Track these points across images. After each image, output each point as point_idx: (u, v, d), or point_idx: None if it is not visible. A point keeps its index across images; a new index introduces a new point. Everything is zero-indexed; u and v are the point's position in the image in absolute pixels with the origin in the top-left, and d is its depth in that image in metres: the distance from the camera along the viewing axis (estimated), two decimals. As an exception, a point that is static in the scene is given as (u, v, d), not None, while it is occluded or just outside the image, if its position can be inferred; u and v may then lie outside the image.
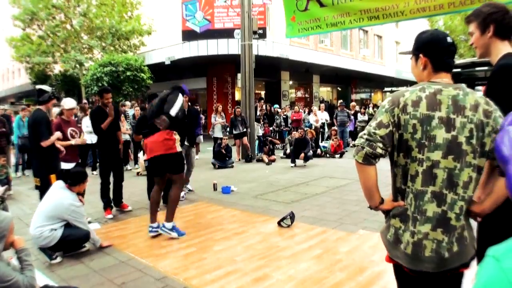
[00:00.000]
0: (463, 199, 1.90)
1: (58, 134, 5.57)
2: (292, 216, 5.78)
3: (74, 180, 4.82)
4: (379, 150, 1.90)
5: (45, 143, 5.17)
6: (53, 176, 5.19)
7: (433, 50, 2.00)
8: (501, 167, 1.31)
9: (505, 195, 1.93)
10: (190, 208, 7.07)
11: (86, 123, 10.79)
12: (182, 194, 7.64)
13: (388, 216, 2.09)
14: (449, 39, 1.98)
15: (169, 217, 5.44)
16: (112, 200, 6.87)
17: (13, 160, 11.66)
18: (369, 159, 1.92)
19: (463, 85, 1.97)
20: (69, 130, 6.04)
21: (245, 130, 13.35)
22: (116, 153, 6.83)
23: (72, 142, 5.89)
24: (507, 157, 1.27)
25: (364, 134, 1.95)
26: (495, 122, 1.90)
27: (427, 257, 1.91)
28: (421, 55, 2.03)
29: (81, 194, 5.11)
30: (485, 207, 1.97)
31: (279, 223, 5.75)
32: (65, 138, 5.96)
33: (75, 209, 4.75)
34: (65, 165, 5.92)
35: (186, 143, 7.71)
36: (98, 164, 10.99)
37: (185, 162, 7.68)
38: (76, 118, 10.98)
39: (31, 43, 24.12)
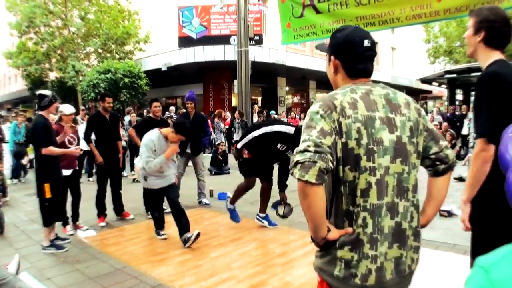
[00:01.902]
0: (413, 204, 1.73)
1: (61, 150, 5.51)
2: (288, 208, 5.84)
3: None
4: (330, 164, 1.54)
5: (44, 151, 5.13)
6: (47, 185, 5.15)
7: (346, 55, 1.80)
8: (503, 172, 1.29)
9: (444, 196, 1.90)
10: (186, 215, 7.04)
11: (83, 129, 10.77)
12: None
13: (329, 248, 1.71)
14: (366, 43, 1.75)
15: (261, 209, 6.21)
16: (113, 209, 6.83)
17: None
18: (323, 176, 1.53)
19: (385, 85, 1.82)
20: (67, 137, 6.02)
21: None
22: (114, 162, 6.77)
23: (68, 150, 5.86)
24: (509, 161, 1.25)
25: (309, 146, 1.54)
26: (424, 120, 1.79)
27: (388, 281, 1.66)
28: (332, 57, 1.85)
29: None
30: (429, 217, 1.89)
31: (273, 206, 5.82)
32: (63, 144, 5.94)
33: None
34: (63, 171, 5.90)
35: (187, 150, 7.63)
36: (94, 171, 11.02)
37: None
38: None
39: (27, 51, 24.10)
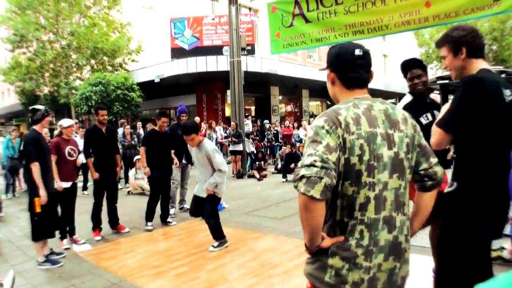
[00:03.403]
0: (408, 218, 1.80)
1: (41, 190, 5.44)
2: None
3: None
4: (334, 180, 1.58)
5: (32, 165, 5.10)
6: (37, 199, 5.12)
7: (338, 65, 1.86)
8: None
9: (429, 211, 1.95)
10: (182, 227, 7.03)
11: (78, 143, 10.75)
12: (172, 211, 7.60)
13: (320, 255, 1.75)
14: (357, 52, 1.80)
15: None
16: (108, 222, 6.80)
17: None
18: (327, 192, 1.56)
19: (383, 100, 1.86)
20: (67, 149, 6.01)
21: (241, 146, 13.37)
22: (111, 175, 6.73)
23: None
24: None
25: (315, 161, 1.55)
26: (419, 136, 1.83)
27: None
28: (328, 71, 1.90)
29: None
30: (415, 230, 1.96)
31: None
32: (63, 157, 5.94)
33: None
34: (63, 184, 5.90)
35: (184, 161, 7.85)
36: (88, 184, 10.96)
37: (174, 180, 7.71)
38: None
39: (20, 67, 24.04)
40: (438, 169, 1.85)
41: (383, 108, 1.77)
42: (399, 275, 1.74)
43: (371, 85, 1.90)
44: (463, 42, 2.52)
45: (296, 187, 1.58)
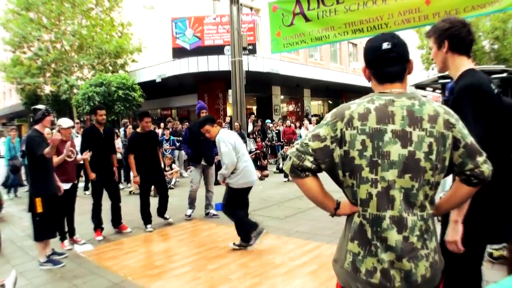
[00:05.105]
0: (423, 219, 1.71)
1: (64, 155, 5.44)
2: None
3: None
4: (307, 163, 1.70)
5: (46, 152, 5.03)
6: (38, 200, 5.12)
7: (370, 60, 1.82)
8: None
9: (461, 203, 1.93)
10: (184, 226, 7.03)
11: (78, 143, 10.74)
12: (188, 212, 7.51)
13: (345, 236, 1.82)
14: (385, 45, 1.74)
15: None
16: (111, 221, 6.80)
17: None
18: (296, 171, 1.73)
19: (418, 94, 1.79)
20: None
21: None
22: (109, 175, 6.72)
23: (61, 157, 5.79)
24: None
25: (297, 143, 1.76)
26: (461, 133, 1.71)
27: (397, 287, 1.67)
28: (363, 67, 1.87)
29: None
30: (441, 211, 1.92)
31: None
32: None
33: None
34: (63, 186, 5.86)
35: (203, 162, 7.58)
36: (89, 184, 10.96)
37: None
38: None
39: (21, 65, 24.06)
40: (485, 168, 1.73)
41: (407, 104, 1.70)
42: (417, 274, 1.67)
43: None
44: (447, 35, 2.43)
45: None
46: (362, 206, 1.71)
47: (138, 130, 7.18)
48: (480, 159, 1.73)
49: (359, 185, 1.69)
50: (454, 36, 2.42)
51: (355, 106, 1.72)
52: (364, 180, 1.68)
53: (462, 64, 2.44)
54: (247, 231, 5.49)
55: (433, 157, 1.66)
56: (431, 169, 1.67)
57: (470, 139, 1.74)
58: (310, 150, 1.70)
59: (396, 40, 1.76)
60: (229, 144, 5.50)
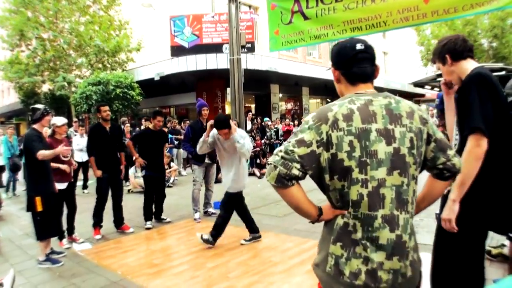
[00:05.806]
0: (412, 216, 1.74)
1: (58, 150, 5.43)
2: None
3: None
4: (295, 171, 1.65)
5: (41, 155, 5.03)
6: (38, 199, 5.11)
7: (340, 62, 1.84)
8: None
9: (438, 197, 1.95)
10: (182, 225, 7.03)
11: (77, 141, 10.76)
12: (197, 216, 7.45)
13: (325, 239, 1.82)
14: (358, 46, 1.78)
15: None
16: (114, 221, 6.77)
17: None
18: (283, 181, 1.66)
19: (389, 93, 1.82)
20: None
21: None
22: (116, 173, 6.71)
23: (60, 166, 5.82)
24: None
25: (280, 151, 1.68)
26: (431, 129, 1.77)
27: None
28: (332, 69, 1.88)
29: None
30: (419, 210, 1.93)
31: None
32: (57, 157, 5.89)
33: None
34: (58, 185, 5.83)
35: (207, 160, 7.52)
36: (89, 182, 10.96)
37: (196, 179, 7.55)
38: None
39: (20, 64, 23.99)
40: (457, 161, 1.80)
41: (384, 103, 1.73)
42: (407, 275, 1.70)
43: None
44: (446, 49, 2.63)
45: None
46: (353, 207, 1.68)
47: (150, 126, 7.39)
48: (450, 152, 1.80)
49: (350, 186, 1.67)
50: (452, 48, 2.61)
51: (337, 108, 1.70)
52: (355, 181, 1.66)
53: (470, 66, 2.58)
54: (220, 228, 5.70)
55: (415, 151, 1.70)
56: (414, 164, 1.71)
57: (440, 135, 1.80)
58: (297, 157, 1.65)
59: (367, 43, 1.82)
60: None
